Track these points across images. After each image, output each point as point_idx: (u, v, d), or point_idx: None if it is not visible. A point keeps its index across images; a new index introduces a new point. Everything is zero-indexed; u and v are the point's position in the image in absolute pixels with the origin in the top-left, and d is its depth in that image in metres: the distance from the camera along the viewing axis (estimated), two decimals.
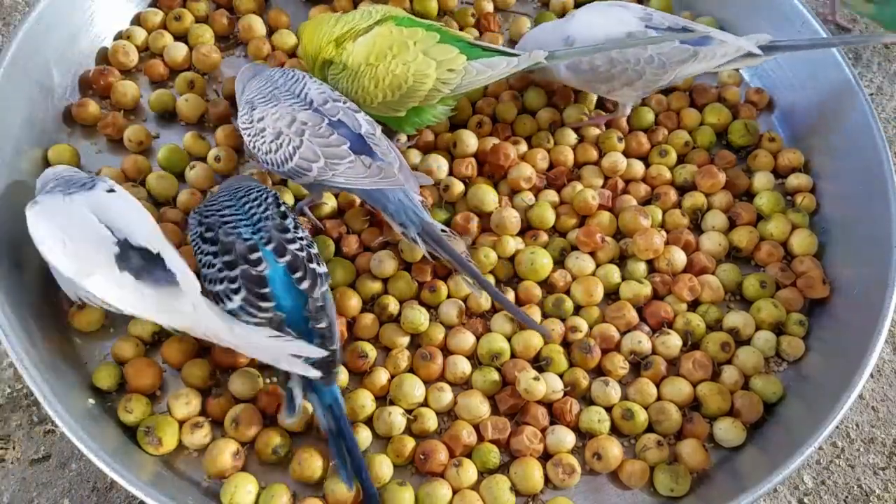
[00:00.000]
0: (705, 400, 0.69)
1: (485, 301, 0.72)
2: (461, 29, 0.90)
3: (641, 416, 0.67)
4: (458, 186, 0.78)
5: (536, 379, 0.67)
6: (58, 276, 0.64)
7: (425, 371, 0.69)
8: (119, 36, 0.86)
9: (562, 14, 0.92)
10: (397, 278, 0.73)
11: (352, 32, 0.74)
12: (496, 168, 0.78)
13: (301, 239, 0.65)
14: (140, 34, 0.86)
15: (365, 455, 0.64)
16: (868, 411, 0.81)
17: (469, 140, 0.79)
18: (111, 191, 0.64)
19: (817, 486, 0.77)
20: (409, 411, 0.67)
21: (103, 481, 0.72)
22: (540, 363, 0.70)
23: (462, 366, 0.69)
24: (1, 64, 0.72)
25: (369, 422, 0.67)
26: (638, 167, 0.81)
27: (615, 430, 0.68)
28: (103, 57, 0.84)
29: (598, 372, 0.71)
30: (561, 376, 0.69)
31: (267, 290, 0.62)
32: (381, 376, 0.68)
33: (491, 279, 0.73)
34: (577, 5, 0.93)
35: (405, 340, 0.71)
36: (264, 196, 0.67)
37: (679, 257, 0.75)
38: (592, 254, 0.76)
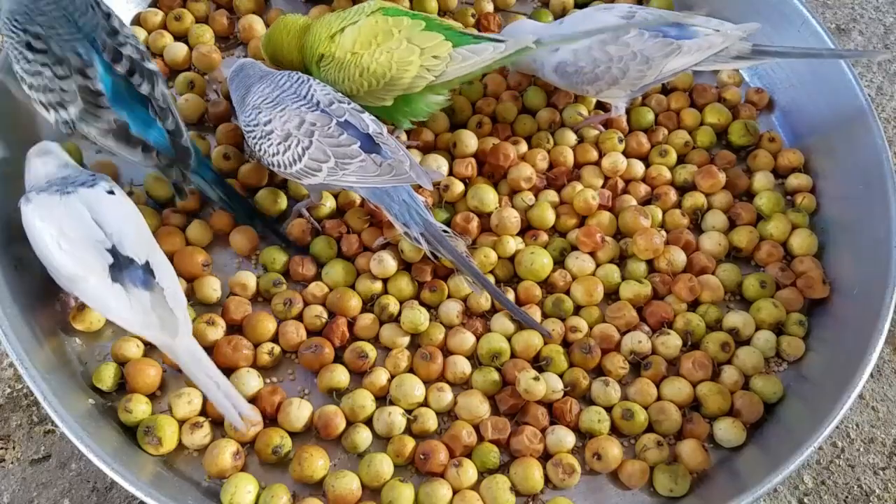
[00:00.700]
0: (705, 400, 0.69)
1: (485, 301, 0.72)
2: None
3: (641, 416, 0.67)
4: (458, 186, 0.78)
5: (536, 379, 0.67)
6: (55, 275, 0.64)
7: (425, 371, 0.69)
8: None
9: (562, 14, 0.92)
10: (397, 278, 0.73)
11: (344, 25, 0.74)
12: (496, 168, 0.78)
13: (128, 38, 0.67)
14: (140, 34, 0.86)
15: (365, 455, 0.64)
16: (868, 411, 0.81)
17: (469, 140, 0.79)
18: (111, 192, 0.64)
19: (817, 486, 0.77)
20: (409, 411, 0.67)
21: (103, 481, 0.72)
22: (540, 363, 0.70)
23: (462, 366, 0.69)
24: (1, 63, 0.72)
25: (369, 422, 0.67)
26: (638, 167, 0.81)
27: (615, 430, 0.68)
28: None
29: (598, 372, 0.71)
30: (561, 376, 0.69)
31: (104, 98, 0.64)
32: (381, 376, 0.68)
33: (491, 279, 0.73)
34: (577, 5, 0.93)
35: (405, 340, 0.71)
36: (88, 1, 0.67)
37: (679, 257, 0.75)
38: (592, 254, 0.76)
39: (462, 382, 0.70)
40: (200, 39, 0.86)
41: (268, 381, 0.69)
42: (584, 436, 0.68)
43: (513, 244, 0.75)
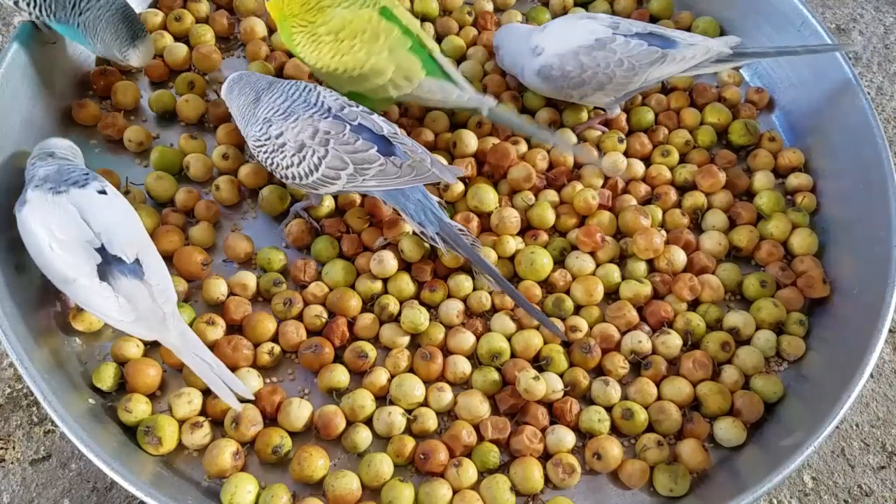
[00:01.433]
0: (705, 400, 0.69)
1: (486, 301, 0.72)
2: (460, 28, 0.90)
3: (641, 416, 0.67)
4: (458, 186, 0.78)
5: (536, 379, 0.67)
6: (49, 277, 0.64)
7: (425, 371, 0.69)
8: None
9: (562, 12, 0.92)
10: (397, 278, 0.73)
11: (338, 3, 0.73)
12: (496, 168, 0.78)
13: None
14: None
15: (365, 454, 0.64)
16: (868, 411, 0.81)
17: (469, 140, 0.79)
18: (102, 192, 0.64)
19: (817, 486, 0.77)
20: (409, 411, 0.67)
21: (103, 481, 0.72)
22: (540, 363, 0.70)
23: (462, 366, 0.69)
24: (1, 64, 0.72)
25: (369, 422, 0.67)
26: (638, 167, 0.81)
27: (615, 430, 0.68)
28: (103, 57, 0.84)
29: (598, 372, 0.71)
30: (561, 376, 0.69)
31: None
32: (381, 376, 0.68)
33: None
34: (577, 4, 0.93)
35: (405, 340, 0.71)
36: None
37: (679, 257, 0.75)
38: (592, 254, 0.76)
39: (462, 382, 0.70)
40: (201, 40, 0.86)
41: (268, 381, 0.69)
42: (584, 436, 0.68)
43: (513, 244, 0.75)
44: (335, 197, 0.77)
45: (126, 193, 0.74)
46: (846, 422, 0.80)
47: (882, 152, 0.76)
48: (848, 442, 0.79)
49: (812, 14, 0.84)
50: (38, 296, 0.68)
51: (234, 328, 0.71)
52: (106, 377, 0.66)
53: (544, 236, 0.77)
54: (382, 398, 0.68)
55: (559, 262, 0.76)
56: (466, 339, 0.70)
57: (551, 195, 0.79)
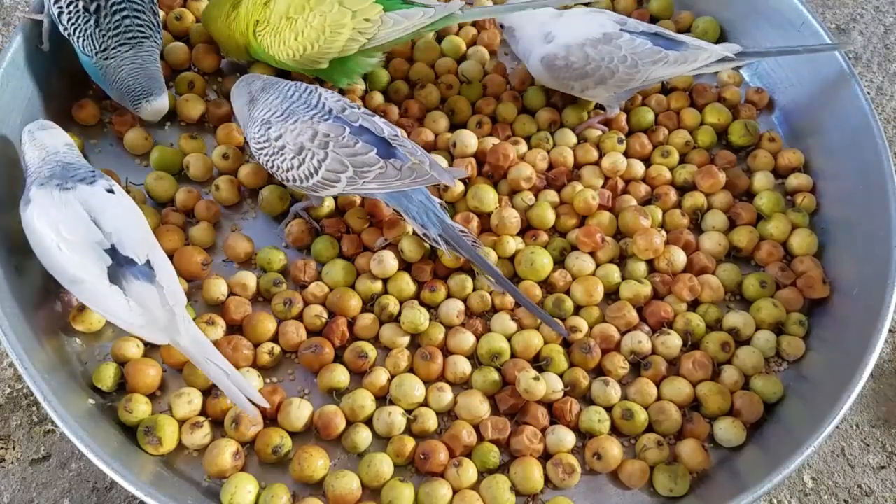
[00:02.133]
0: (705, 400, 0.69)
1: (486, 301, 0.72)
2: (460, 27, 0.90)
3: (641, 416, 0.67)
4: (458, 186, 0.78)
5: (536, 379, 0.67)
6: (57, 277, 0.64)
7: (425, 371, 0.69)
8: None
9: None
10: (397, 278, 0.73)
11: None
12: (496, 168, 0.78)
13: None
14: None
15: (365, 454, 0.64)
16: (868, 411, 0.81)
17: (469, 140, 0.79)
18: (110, 191, 0.64)
19: (817, 486, 0.77)
20: (409, 411, 0.67)
21: (103, 481, 0.72)
22: (540, 363, 0.70)
23: (462, 366, 0.69)
24: (1, 64, 0.72)
25: (369, 422, 0.67)
26: (638, 167, 0.81)
27: (615, 430, 0.68)
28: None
29: (598, 372, 0.71)
30: (561, 376, 0.69)
31: None
32: (381, 376, 0.68)
33: None
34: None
35: (405, 340, 0.71)
36: None
37: (679, 257, 0.75)
38: (592, 254, 0.76)
39: (462, 382, 0.70)
40: (201, 39, 0.86)
41: (268, 381, 0.69)
42: (584, 436, 0.68)
43: (513, 244, 0.75)
44: (335, 197, 0.77)
45: (126, 192, 0.74)
46: (846, 422, 0.80)
47: (882, 153, 0.76)
48: (848, 442, 0.79)
49: (812, 14, 0.84)
50: (38, 296, 0.68)
51: (234, 328, 0.71)
52: (106, 377, 0.66)
53: (544, 236, 0.77)
54: (382, 398, 0.68)
55: (559, 262, 0.76)
56: (466, 339, 0.70)
57: (551, 195, 0.79)
